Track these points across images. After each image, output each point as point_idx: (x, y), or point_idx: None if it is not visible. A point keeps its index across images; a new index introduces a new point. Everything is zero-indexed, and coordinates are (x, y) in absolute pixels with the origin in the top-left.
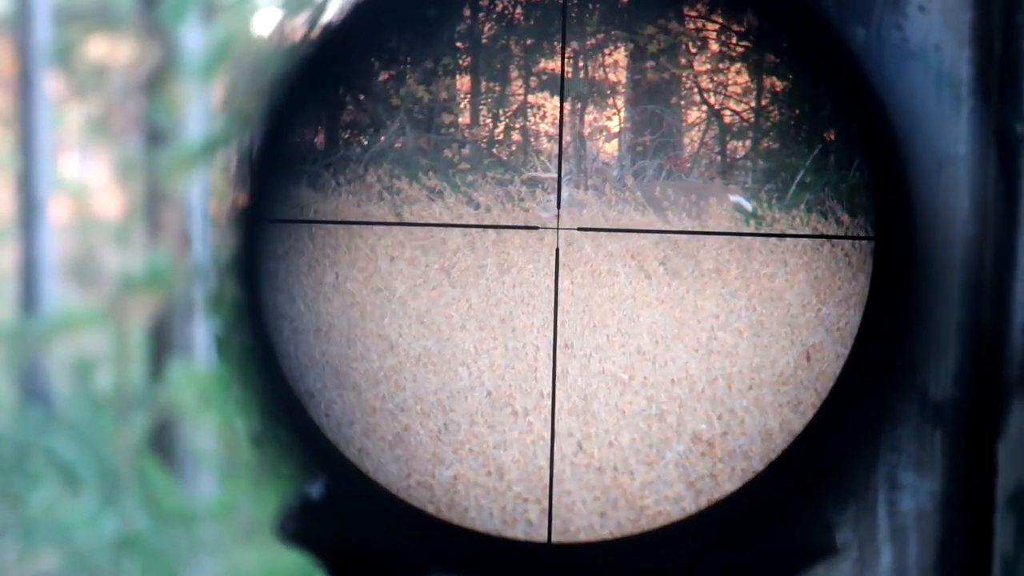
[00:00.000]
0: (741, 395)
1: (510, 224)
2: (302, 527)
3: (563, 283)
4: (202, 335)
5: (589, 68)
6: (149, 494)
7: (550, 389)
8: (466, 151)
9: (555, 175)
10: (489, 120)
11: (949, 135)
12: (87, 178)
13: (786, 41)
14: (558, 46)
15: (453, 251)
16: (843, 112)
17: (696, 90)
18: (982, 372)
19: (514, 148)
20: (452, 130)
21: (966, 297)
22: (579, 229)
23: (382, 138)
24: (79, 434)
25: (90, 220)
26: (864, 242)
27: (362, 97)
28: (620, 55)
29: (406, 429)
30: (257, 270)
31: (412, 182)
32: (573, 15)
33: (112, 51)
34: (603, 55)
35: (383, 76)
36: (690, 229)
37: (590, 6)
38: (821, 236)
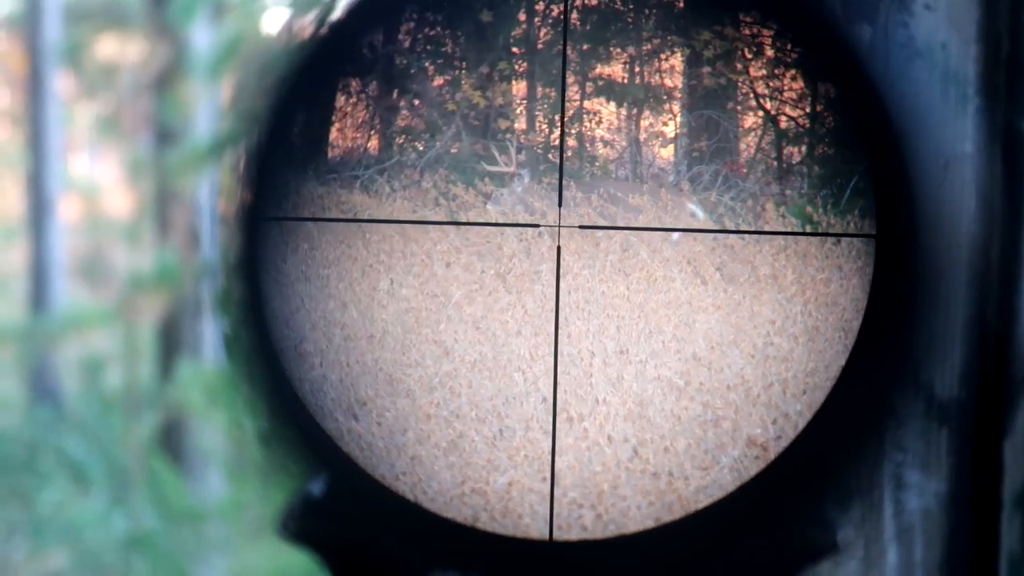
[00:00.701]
0: (795, 400)
1: (509, 223)
2: (304, 526)
3: (619, 288)
4: (211, 334)
5: (645, 73)
6: (158, 493)
7: (605, 395)
8: (522, 157)
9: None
10: (545, 126)
11: (955, 133)
12: (97, 177)
13: (789, 39)
14: (614, 51)
15: (509, 256)
16: (846, 111)
17: (752, 95)
18: (988, 371)
19: (569, 154)
20: (508, 135)
21: (972, 296)
22: (575, 227)
23: (438, 143)
24: (88, 433)
25: (100, 219)
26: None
27: (417, 102)
28: (676, 60)
29: (460, 436)
30: (262, 270)
31: (468, 187)
32: (629, 20)
33: (122, 50)
34: (659, 60)
35: (438, 81)
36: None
37: (646, 11)
38: (820, 234)
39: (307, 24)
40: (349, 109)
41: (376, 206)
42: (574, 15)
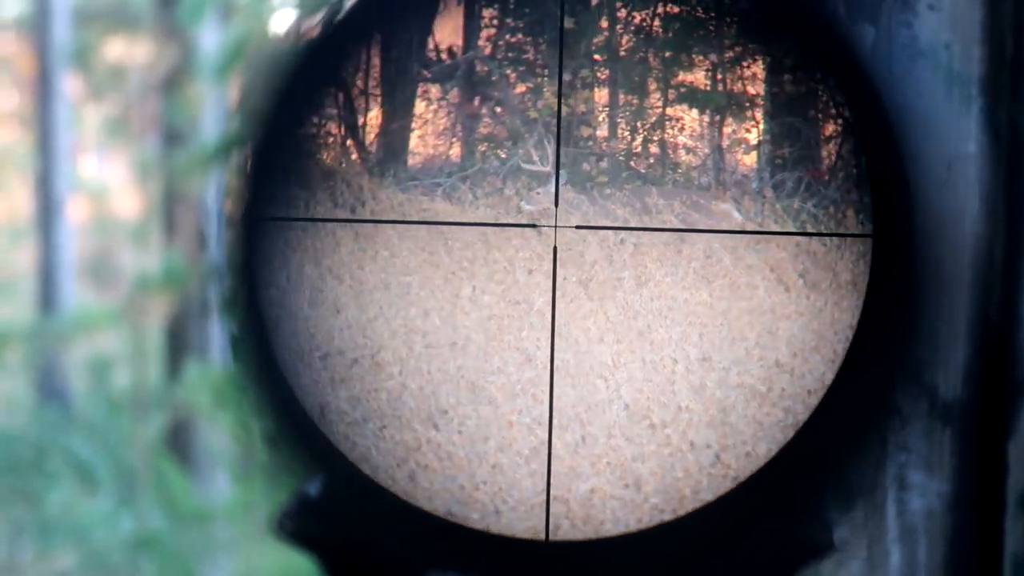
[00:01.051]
0: None
1: (510, 224)
2: (300, 526)
3: (702, 295)
4: (218, 335)
5: (727, 80)
6: (165, 494)
7: (688, 402)
8: (604, 164)
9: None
10: (627, 133)
11: (959, 134)
12: (105, 179)
13: (789, 40)
14: (697, 58)
15: (591, 264)
16: (846, 111)
17: (832, 103)
18: (992, 371)
19: (652, 161)
20: (590, 143)
21: (975, 296)
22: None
23: (520, 151)
24: (96, 434)
25: (108, 220)
26: None
27: (499, 110)
28: (758, 68)
29: (543, 443)
30: (262, 271)
31: (549, 195)
32: (711, 28)
33: (130, 52)
34: (741, 68)
35: (521, 88)
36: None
37: (727, 20)
38: (813, 234)
39: (314, 25)
40: (430, 116)
41: (459, 213)
42: (656, 22)
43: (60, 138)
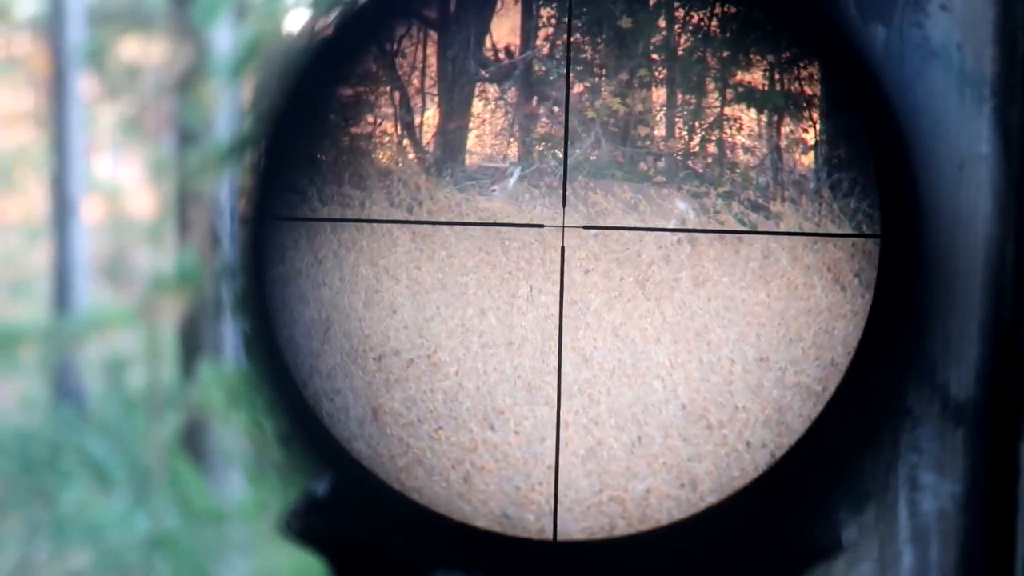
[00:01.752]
0: None
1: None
2: (307, 525)
3: (759, 295)
4: (231, 335)
5: (785, 81)
6: (180, 493)
7: (744, 402)
8: (661, 164)
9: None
10: (685, 132)
11: (971, 134)
12: (120, 178)
13: (794, 39)
14: (755, 58)
15: (648, 263)
16: (853, 110)
17: None
18: (1004, 371)
19: (710, 161)
20: (648, 143)
21: (988, 296)
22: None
23: (577, 151)
24: (111, 433)
25: (122, 220)
26: None
27: (556, 109)
28: (814, 68)
29: (599, 443)
30: (266, 270)
31: (607, 195)
32: (768, 27)
33: (144, 52)
34: (798, 68)
35: (578, 88)
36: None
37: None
38: (821, 234)
39: (328, 24)
40: (487, 116)
41: (516, 213)
42: (713, 22)
43: (75, 138)
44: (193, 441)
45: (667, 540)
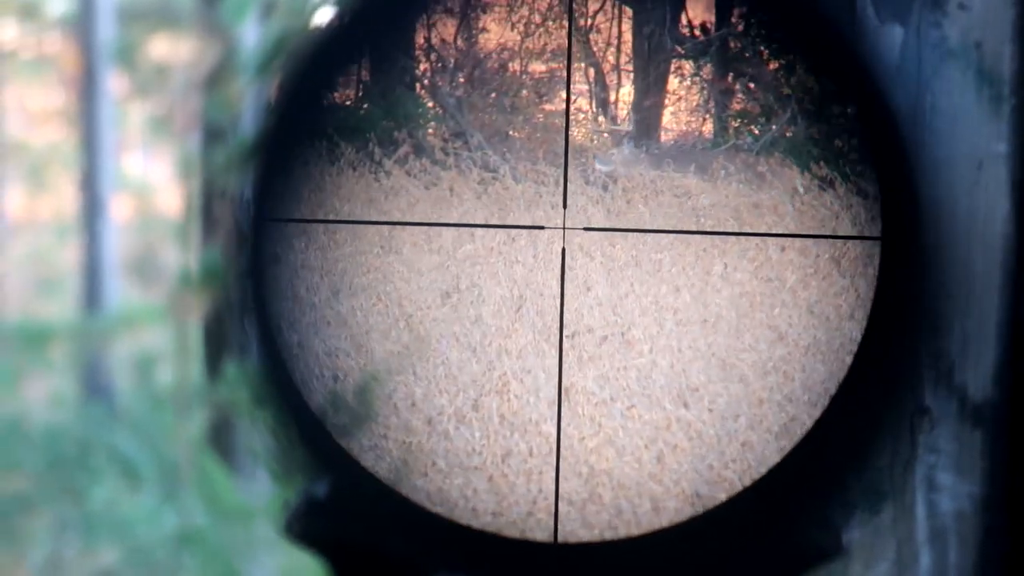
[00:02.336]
0: None
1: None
2: (309, 527)
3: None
4: (254, 333)
5: None
6: (208, 491)
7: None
8: (857, 141)
9: None
10: None
11: (989, 133)
12: (149, 176)
13: (799, 43)
14: None
15: (843, 240)
16: (855, 114)
17: None
18: (1022, 373)
19: None
20: (842, 120)
21: (1005, 297)
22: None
23: (773, 127)
24: (140, 430)
25: (151, 218)
26: None
27: (752, 86)
28: None
29: (792, 419)
30: (265, 273)
31: (803, 171)
32: None
33: (174, 50)
34: None
35: (773, 65)
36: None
37: None
38: (823, 236)
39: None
40: (683, 92)
41: (711, 190)
42: None
43: (104, 136)
44: (220, 439)
45: (667, 543)
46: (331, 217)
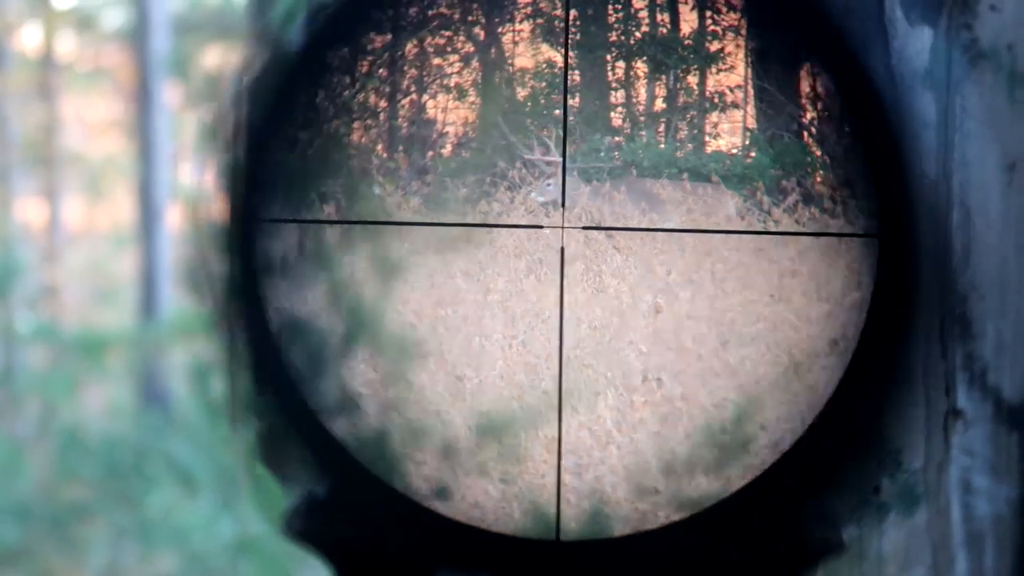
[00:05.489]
0: None
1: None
2: (309, 526)
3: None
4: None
5: None
6: (263, 498)
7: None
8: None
9: None
10: None
11: (1021, 135)
12: (204, 185)
13: (800, 43)
14: None
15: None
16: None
17: None
18: None
19: None
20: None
21: None
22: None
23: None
24: (196, 438)
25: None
26: None
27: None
28: None
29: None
30: (259, 272)
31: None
32: None
33: (226, 60)
34: None
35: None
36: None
37: None
38: (821, 234)
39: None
40: None
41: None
42: None
43: (160, 146)
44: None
45: (669, 540)
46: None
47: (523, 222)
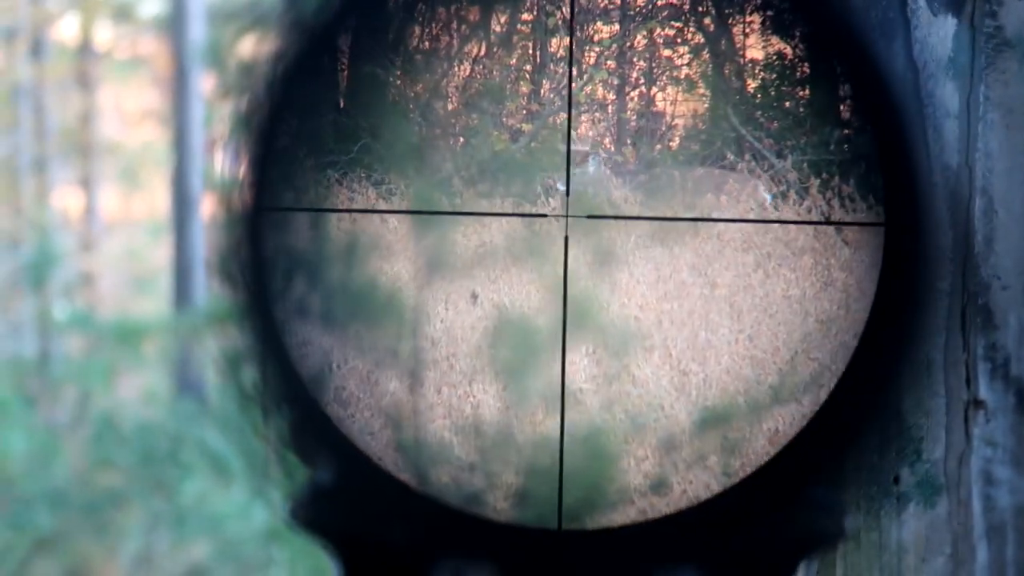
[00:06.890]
0: None
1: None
2: (312, 514)
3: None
4: None
5: None
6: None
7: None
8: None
9: None
10: None
11: None
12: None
13: (804, 30)
14: None
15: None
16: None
17: None
18: None
19: None
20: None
21: None
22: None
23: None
24: (230, 426)
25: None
26: None
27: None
28: None
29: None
30: (261, 263)
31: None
32: None
33: (260, 49)
34: None
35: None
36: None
37: None
38: (832, 222)
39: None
40: None
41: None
42: None
43: (195, 136)
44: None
45: (671, 529)
46: None
47: (751, 216)
